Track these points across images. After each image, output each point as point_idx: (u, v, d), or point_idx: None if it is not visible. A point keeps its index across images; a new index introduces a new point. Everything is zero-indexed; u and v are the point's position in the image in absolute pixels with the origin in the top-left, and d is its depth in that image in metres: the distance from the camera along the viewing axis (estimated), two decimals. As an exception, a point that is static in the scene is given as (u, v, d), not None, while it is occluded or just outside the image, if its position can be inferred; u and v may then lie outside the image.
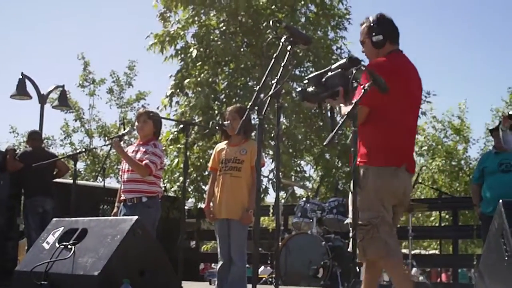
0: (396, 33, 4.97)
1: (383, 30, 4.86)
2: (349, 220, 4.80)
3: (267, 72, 4.59)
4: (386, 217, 4.67)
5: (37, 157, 9.16)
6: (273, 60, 4.64)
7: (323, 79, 4.80)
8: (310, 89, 4.71)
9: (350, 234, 4.82)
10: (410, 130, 4.90)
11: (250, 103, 4.55)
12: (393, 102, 4.60)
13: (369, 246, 4.66)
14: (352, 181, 4.16)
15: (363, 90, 4.23)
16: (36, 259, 5.32)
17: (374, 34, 4.87)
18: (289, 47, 4.79)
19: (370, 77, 4.36)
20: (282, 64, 4.73)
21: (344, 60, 4.92)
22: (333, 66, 4.89)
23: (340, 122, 4.12)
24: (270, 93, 4.61)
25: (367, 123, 4.70)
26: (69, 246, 5.17)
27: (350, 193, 4.82)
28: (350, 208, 4.76)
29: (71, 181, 8.35)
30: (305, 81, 4.72)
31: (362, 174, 4.68)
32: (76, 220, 5.65)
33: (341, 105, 4.82)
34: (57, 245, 5.29)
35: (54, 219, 5.87)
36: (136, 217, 5.24)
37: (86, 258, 4.97)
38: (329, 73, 4.89)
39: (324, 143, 3.93)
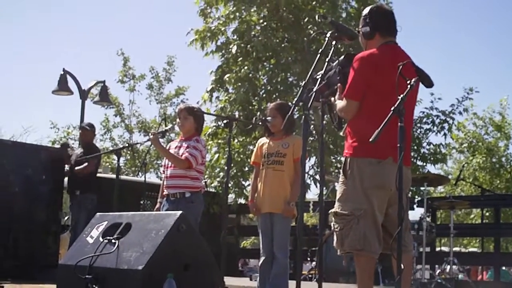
0: (389, 25, 4.92)
1: (372, 22, 4.84)
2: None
3: (312, 68, 4.58)
4: (370, 211, 4.61)
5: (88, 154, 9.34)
6: (318, 55, 4.63)
7: (326, 78, 4.81)
8: (314, 88, 4.69)
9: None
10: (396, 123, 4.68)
11: (295, 99, 4.55)
12: (376, 95, 4.59)
13: (347, 237, 4.64)
14: (397, 178, 4.07)
15: (409, 86, 4.14)
16: (80, 253, 5.34)
17: (363, 25, 4.89)
18: (333, 43, 4.80)
19: (417, 73, 4.32)
20: (326, 60, 4.73)
21: (342, 57, 4.94)
22: (333, 64, 4.92)
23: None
24: (315, 89, 4.61)
25: (354, 116, 4.74)
26: (113, 241, 5.19)
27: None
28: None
29: (114, 176, 8.38)
30: (310, 81, 4.70)
31: (348, 165, 4.69)
32: (120, 214, 5.67)
33: (338, 100, 4.84)
34: (101, 239, 5.31)
35: (98, 213, 5.90)
36: (180, 212, 5.24)
37: (130, 253, 4.99)
38: (330, 72, 4.91)
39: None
